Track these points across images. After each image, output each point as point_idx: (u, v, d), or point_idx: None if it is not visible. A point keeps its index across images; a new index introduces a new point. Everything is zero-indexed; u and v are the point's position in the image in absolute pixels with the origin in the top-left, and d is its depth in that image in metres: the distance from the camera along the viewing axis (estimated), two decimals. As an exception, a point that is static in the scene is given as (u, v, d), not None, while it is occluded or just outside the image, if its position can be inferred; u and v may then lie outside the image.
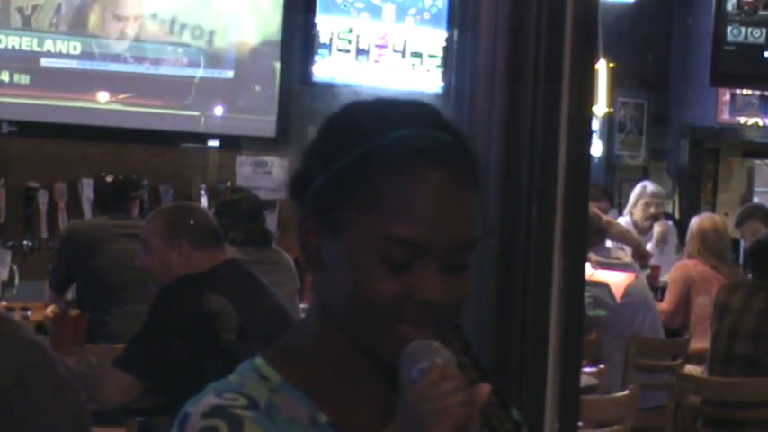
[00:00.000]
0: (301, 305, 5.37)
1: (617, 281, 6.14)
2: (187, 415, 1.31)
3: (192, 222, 3.86)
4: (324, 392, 1.34)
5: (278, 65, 8.09)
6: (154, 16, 7.77)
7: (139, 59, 7.73)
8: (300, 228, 1.37)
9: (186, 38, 7.85)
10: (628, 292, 6.15)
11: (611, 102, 10.01)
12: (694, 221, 6.89)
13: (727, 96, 10.58)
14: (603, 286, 6.03)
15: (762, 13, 9.14)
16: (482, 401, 1.26)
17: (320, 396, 1.34)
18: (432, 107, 1.39)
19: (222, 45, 7.99)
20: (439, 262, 1.30)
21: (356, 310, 1.31)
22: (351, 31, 8.29)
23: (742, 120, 10.65)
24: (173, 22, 7.81)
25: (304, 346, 1.38)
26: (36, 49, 7.44)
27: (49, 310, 5.35)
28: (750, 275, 5.95)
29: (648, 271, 7.23)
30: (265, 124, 8.06)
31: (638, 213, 7.82)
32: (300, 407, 1.33)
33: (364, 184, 1.31)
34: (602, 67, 9.29)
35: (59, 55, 7.51)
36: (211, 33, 7.94)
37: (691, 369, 6.06)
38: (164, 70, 7.83)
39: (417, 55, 8.46)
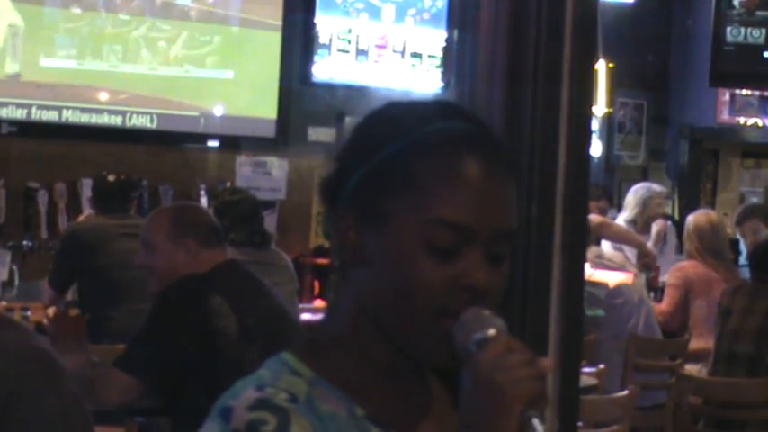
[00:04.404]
0: (300, 305, 5.37)
1: (615, 281, 6.15)
2: (230, 408, 1.28)
3: (198, 220, 3.85)
4: (357, 387, 1.34)
5: (278, 65, 8.09)
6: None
7: (141, 59, 7.74)
8: (337, 226, 1.36)
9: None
10: (623, 291, 6.15)
11: (611, 102, 10.01)
12: (690, 219, 6.88)
13: (727, 97, 10.58)
14: (600, 286, 6.04)
15: (761, 13, 9.14)
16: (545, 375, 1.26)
17: (353, 391, 1.34)
18: (459, 105, 1.41)
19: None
20: (484, 249, 1.31)
21: (401, 303, 1.31)
22: (350, 31, 8.29)
23: (741, 120, 10.65)
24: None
25: (333, 342, 1.37)
26: (36, 49, 7.45)
27: (50, 310, 5.34)
28: (751, 278, 5.94)
29: (651, 273, 7.22)
30: (265, 124, 8.07)
31: (648, 213, 7.75)
32: (337, 401, 1.33)
33: (408, 173, 1.32)
34: (601, 67, 9.29)
35: (60, 55, 7.51)
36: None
37: (689, 368, 6.06)
38: (164, 70, 7.84)
39: (417, 55, 8.46)
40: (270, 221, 6.80)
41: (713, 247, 6.64)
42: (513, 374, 1.23)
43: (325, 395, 1.32)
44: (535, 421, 1.22)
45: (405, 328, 1.32)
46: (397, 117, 1.37)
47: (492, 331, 1.27)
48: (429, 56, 8.48)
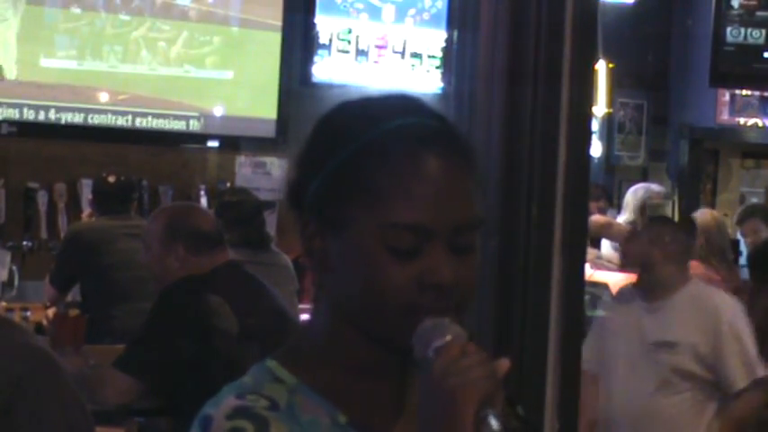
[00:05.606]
0: (300, 305, 5.37)
1: (615, 281, 6.14)
2: (209, 417, 1.28)
3: (189, 227, 3.84)
4: (339, 393, 1.34)
5: (277, 65, 8.09)
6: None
7: (141, 60, 7.74)
8: (303, 234, 1.37)
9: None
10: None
11: (611, 102, 10.00)
12: (696, 218, 6.87)
13: (727, 97, 10.57)
14: (602, 286, 6.04)
15: (761, 13, 9.14)
16: (503, 375, 1.26)
17: (336, 397, 1.34)
18: (415, 98, 1.39)
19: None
20: (446, 244, 1.30)
21: (371, 306, 1.30)
22: (350, 31, 8.29)
23: (741, 120, 10.65)
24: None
25: (315, 348, 1.37)
26: (36, 48, 7.44)
27: (50, 311, 5.35)
28: (751, 278, 5.94)
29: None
30: (265, 125, 8.07)
31: (648, 214, 7.73)
32: (319, 408, 1.33)
33: (360, 179, 1.31)
34: (601, 67, 9.28)
35: (59, 55, 7.51)
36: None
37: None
38: (164, 70, 7.84)
39: (417, 56, 8.46)
40: (270, 222, 6.80)
41: (719, 245, 6.63)
42: (465, 377, 1.22)
43: (307, 402, 1.32)
44: (491, 419, 1.22)
45: (380, 327, 1.31)
46: (348, 120, 1.37)
47: (448, 337, 1.26)
48: (429, 56, 8.48)
